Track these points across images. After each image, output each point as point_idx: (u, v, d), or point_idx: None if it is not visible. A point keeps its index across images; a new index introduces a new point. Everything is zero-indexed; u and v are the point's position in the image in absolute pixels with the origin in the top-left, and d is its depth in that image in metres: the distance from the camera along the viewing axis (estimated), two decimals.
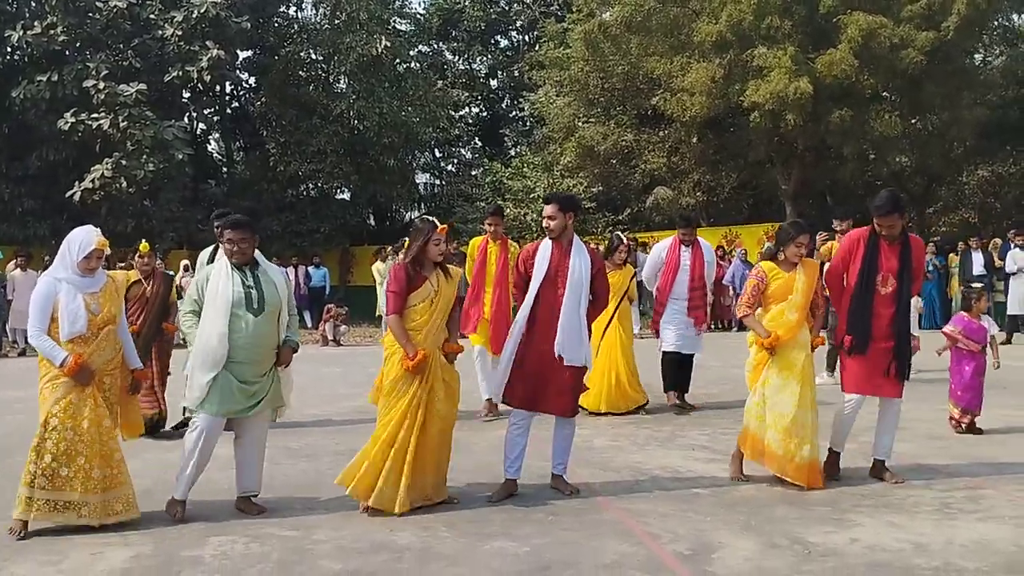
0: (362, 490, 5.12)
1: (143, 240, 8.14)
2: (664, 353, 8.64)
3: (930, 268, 16.06)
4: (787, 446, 5.49)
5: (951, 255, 17.56)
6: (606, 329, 8.34)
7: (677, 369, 8.65)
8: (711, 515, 5.02)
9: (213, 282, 5.14)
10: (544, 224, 5.60)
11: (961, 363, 7.45)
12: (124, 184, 19.52)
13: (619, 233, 9.54)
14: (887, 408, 5.79)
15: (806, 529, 4.73)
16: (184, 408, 7.58)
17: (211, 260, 7.67)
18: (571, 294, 5.44)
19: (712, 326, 16.31)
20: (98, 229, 5.05)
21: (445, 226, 5.33)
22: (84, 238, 4.92)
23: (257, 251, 5.30)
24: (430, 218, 5.42)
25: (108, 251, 5.10)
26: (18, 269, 16.04)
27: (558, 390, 5.48)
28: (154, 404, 7.53)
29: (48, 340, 4.77)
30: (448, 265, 5.44)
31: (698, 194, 22.24)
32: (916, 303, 8.93)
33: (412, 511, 5.08)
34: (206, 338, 5.03)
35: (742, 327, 17.14)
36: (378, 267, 16.40)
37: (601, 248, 9.54)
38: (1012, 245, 15.39)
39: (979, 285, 8.36)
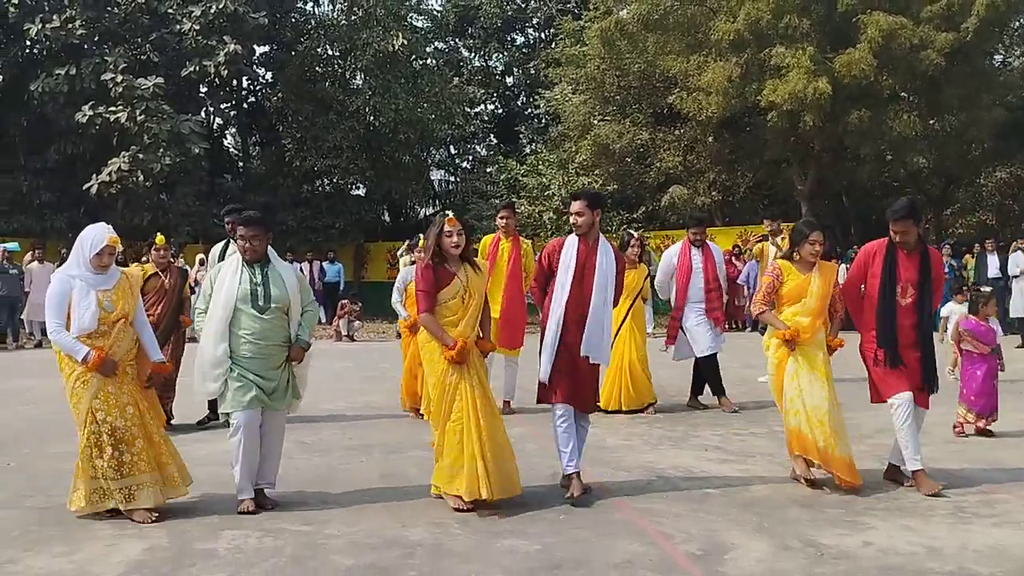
0: (454, 487, 5.07)
1: (159, 233, 8.19)
2: (703, 359, 8.57)
3: (946, 270, 15.98)
4: (828, 441, 5.44)
5: (967, 256, 17.44)
6: (619, 328, 8.33)
7: (705, 369, 8.65)
8: (723, 516, 5.00)
9: (220, 278, 5.17)
10: (572, 220, 5.59)
11: (973, 367, 7.40)
12: (141, 178, 19.67)
13: (630, 230, 9.51)
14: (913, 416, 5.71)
15: (819, 531, 4.71)
16: (208, 403, 7.67)
17: (222, 255, 7.73)
18: (598, 293, 5.43)
19: (727, 326, 16.22)
20: (110, 226, 5.07)
21: (451, 216, 5.26)
22: (96, 235, 4.95)
23: (271, 248, 5.31)
24: (446, 212, 5.42)
25: (121, 248, 5.13)
26: (35, 261, 16.16)
27: (585, 385, 5.52)
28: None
29: (68, 337, 4.82)
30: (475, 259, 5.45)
31: (713, 193, 22.16)
32: (963, 310, 8.80)
33: (422, 515, 5.08)
34: (207, 337, 5.09)
35: (756, 327, 17.12)
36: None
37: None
38: (1019, 249, 15.38)
39: (989, 289, 8.30)
